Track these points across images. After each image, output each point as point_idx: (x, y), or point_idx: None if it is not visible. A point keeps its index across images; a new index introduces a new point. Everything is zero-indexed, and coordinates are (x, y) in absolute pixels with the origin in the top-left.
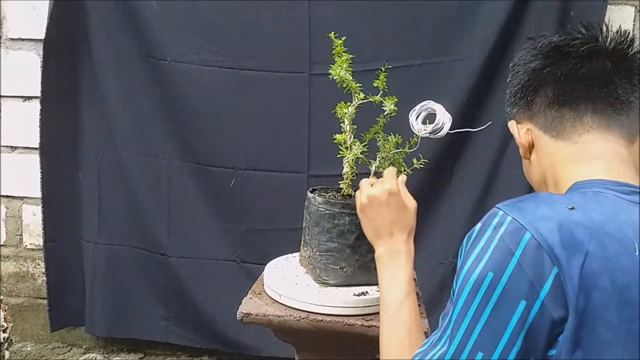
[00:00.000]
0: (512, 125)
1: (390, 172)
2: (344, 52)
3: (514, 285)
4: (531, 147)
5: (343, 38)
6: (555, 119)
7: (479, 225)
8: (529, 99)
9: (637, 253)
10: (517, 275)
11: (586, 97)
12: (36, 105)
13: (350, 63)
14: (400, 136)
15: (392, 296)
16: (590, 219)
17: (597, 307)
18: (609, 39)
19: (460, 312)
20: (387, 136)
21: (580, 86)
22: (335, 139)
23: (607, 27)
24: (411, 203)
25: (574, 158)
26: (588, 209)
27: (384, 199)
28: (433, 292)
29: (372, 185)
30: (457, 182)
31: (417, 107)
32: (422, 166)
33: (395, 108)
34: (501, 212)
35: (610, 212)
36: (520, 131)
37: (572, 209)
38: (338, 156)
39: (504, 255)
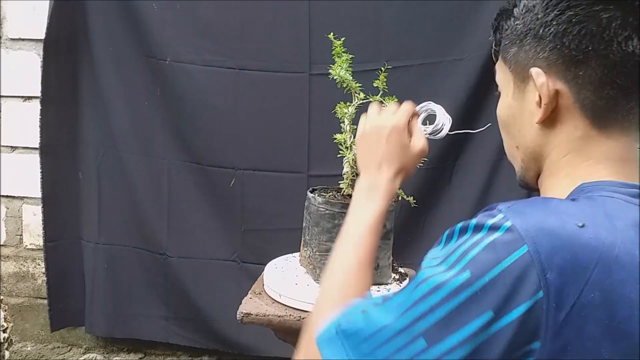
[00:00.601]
0: (538, 75)
1: (405, 106)
2: (343, 52)
3: (487, 293)
4: (549, 114)
5: (342, 39)
6: (608, 101)
7: (474, 220)
8: (583, 57)
9: None
10: (495, 285)
11: None
12: (36, 105)
13: (350, 63)
14: None
15: (355, 228)
16: (599, 239)
17: (588, 339)
18: None
19: (420, 295)
20: None
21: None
22: (336, 138)
23: None
24: (418, 144)
25: (599, 155)
26: (597, 226)
27: (385, 132)
28: None
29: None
30: (457, 182)
31: (417, 108)
32: (421, 165)
33: None
34: (501, 215)
35: (620, 228)
36: (544, 88)
37: (583, 226)
38: (338, 156)
39: (489, 260)
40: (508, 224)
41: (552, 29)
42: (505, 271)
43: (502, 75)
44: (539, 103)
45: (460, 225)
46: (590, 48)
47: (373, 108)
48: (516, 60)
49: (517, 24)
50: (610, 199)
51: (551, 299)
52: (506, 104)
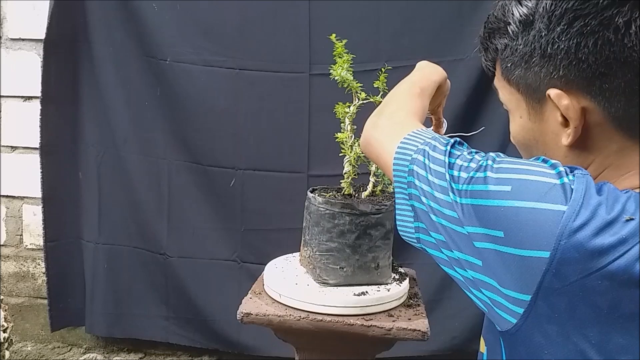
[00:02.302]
0: (559, 97)
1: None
2: (344, 52)
3: (508, 216)
4: (579, 132)
5: (344, 40)
6: (635, 107)
7: (554, 161)
8: (603, 70)
9: None
10: (518, 215)
11: None
12: (36, 105)
13: (351, 63)
14: None
15: (408, 81)
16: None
17: (577, 317)
18: None
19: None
20: None
21: None
22: (337, 137)
23: None
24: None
25: (637, 165)
26: None
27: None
28: (433, 292)
29: None
30: None
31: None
32: None
33: None
34: (580, 172)
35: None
36: (570, 109)
37: (629, 220)
38: (340, 155)
39: (530, 192)
40: (569, 183)
41: (562, 45)
42: (532, 211)
43: (509, 96)
44: (564, 123)
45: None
46: (612, 58)
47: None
48: (525, 83)
49: (516, 45)
50: None
51: (553, 264)
52: (522, 126)
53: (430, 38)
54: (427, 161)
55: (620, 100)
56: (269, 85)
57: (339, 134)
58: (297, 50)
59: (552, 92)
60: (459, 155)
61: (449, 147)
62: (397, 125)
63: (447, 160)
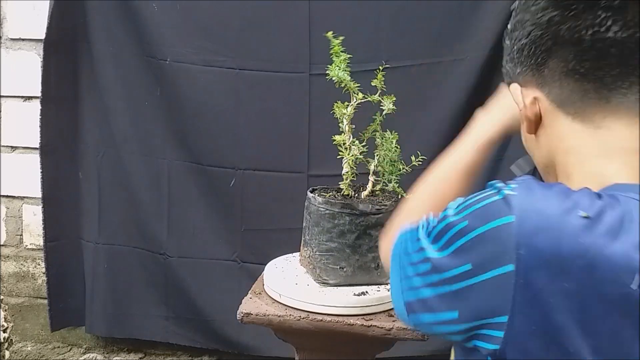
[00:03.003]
0: (515, 89)
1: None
2: (342, 51)
3: (472, 247)
4: (538, 121)
5: (341, 38)
6: (574, 92)
7: (495, 181)
8: (541, 60)
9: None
10: (478, 242)
11: (618, 69)
12: (36, 105)
13: (348, 63)
14: (396, 133)
15: (464, 144)
16: (595, 235)
17: (556, 326)
18: None
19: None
20: (385, 134)
21: (611, 53)
22: (334, 140)
23: None
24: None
25: (596, 148)
26: (602, 223)
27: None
28: None
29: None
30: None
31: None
32: (420, 163)
33: (394, 107)
34: (514, 185)
35: (628, 230)
36: (526, 99)
37: (586, 217)
38: (338, 157)
39: (479, 219)
40: (511, 193)
41: (516, 47)
42: (487, 234)
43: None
44: (525, 116)
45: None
46: (542, 48)
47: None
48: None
49: (505, 50)
50: (633, 201)
51: (520, 274)
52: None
53: (430, 38)
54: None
55: (555, 85)
56: (269, 85)
57: (336, 137)
58: (297, 50)
59: (511, 87)
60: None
61: (418, 245)
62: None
63: (421, 257)
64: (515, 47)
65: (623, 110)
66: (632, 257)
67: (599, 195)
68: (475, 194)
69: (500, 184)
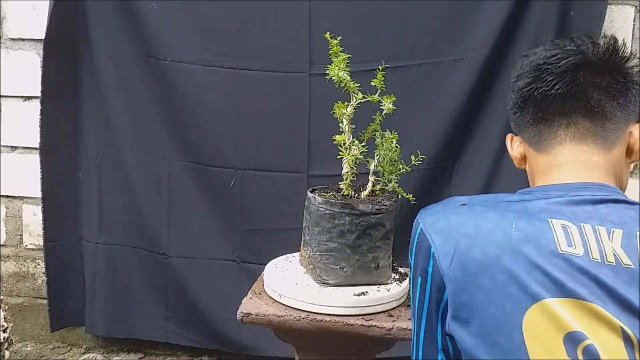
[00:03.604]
0: (507, 138)
1: None
2: (340, 52)
3: (415, 265)
4: (523, 158)
5: (339, 38)
6: (536, 134)
7: None
8: (519, 115)
9: (513, 230)
10: (415, 257)
11: (560, 112)
12: (36, 105)
13: (348, 63)
14: (396, 133)
15: None
16: (465, 216)
17: (471, 275)
18: (597, 49)
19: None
20: (384, 133)
21: (554, 102)
22: (335, 140)
23: (604, 36)
24: None
25: (544, 168)
26: (476, 203)
27: None
28: None
29: None
30: (457, 182)
31: None
32: (420, 162)
33: (393, 107)
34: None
35: (495, 219)
36: (514, 144)
37: (463, 205)
38: (338, 157)
39: (411, 244)
40: (420, 218)
41: (509, 105)
42: (415, 245)
43: None
44: (512, 155)
45: None
46: (518, 106)
47: None
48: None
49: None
50: (519, 203)
51: (438, 250)
52: None
53: (430, 38)
54: None
55: (529, 131)
56: (269, 85)
57: (336, 137)
58: (297, 50)
59: (508, 136)
60: None
61: None
62: None
63: None
64: (509, 107)
65: (569, 140)
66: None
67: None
68: None
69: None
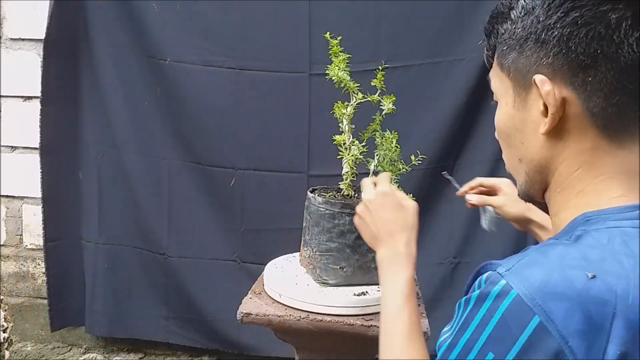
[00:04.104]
0: (543, 82)
1: (383, 176)
2: (340, 51)
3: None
4: (556, 123)
5: (339, 38)
6: (617, 107)
7: (476, 291)
8: (589, 62)
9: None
10: (521, 355)
11: None
12: (36, 105)
13: (348, 63)
14: (396, 133)
15: (392, 301)
16: (611, 290)
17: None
18: None
19: None
20: (384, 133)
21: None
22: (335, 140)
23: None
24: (409, 203)
25: (612, 169)
26: (606, 273)
27: (379, 200)
28: (433, 292)
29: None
30: (457, 182)
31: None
32: (420, 162)
33: (393, 107)
34: (503, 281)
35: (630, 267)
36: (549, 97)
37: (593, 277)
38: (338, 157)
39: (506, 337)
40: (513, 291)
41: (555, 32)
42: (526, 346)
43: (499, 83)
44: (545, 112)
45: (464, 297)
46: (599, 51)
47: (365, 184)
48: (516, 67)
49: (515, 28)
50: (617, 231)
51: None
52: (506, 114)
53: (430, 38)
54: None
55: (600, 96)
56: (269, 85)
57: (336, 137)
58: (297, 50)
59: (537, 77)
60: None
61: None
62: None
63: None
64: (551, 33)
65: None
66: None
67: (576, 239)
68: (468, 317)
69: (490, 290)
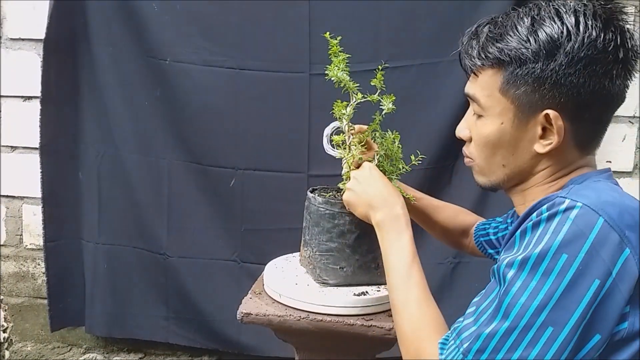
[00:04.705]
0: (557, 118)
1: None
2: (340, 51)
3: (588, 266)
4: (556, 145)
5: (339, 37)
6: (593, 134)
7: (545, 213)
8: (590, 102)
9: None
10: (591, 257)
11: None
12: (36, 105)
13: (348, 63)
14: (398, 133)
15: (400, 260)
16: (633, 201)
17: None
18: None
19: (524, 291)
20: (385, 133)
21: (617, 104)
22: (333, 140)
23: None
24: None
25: (581, 164)
26: (622, 195)
27: (367, 172)
28: (433, 292)
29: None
30: (457, 182)
31: (328, 129)
32: (419, 162)
33: (393, 107)
34: (568, 200)
35: (619, 194)
36: (561, 129)
37: (621, 195)
38: (337, 157)
39: (577, 238)
40: (579, 204)
41: (573, 80)
42: (595, 242)
43: (495, 103)
44: (542, 135)
45: (529, 223)
46: (599, 94)
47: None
48: (528, 99)
49: (534, 68)
50: (601, 182)
51: (635, 250)
52: (500, 131)
53: (430, 38)
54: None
55: (586, 127)
56: (269, 85)
57: (335, 137)
58: (297, 50)
59: (552, 113)
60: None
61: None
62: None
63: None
64: (569, 80)
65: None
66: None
67: (603, 184)
68: (535, 235)
69: (558, 208)
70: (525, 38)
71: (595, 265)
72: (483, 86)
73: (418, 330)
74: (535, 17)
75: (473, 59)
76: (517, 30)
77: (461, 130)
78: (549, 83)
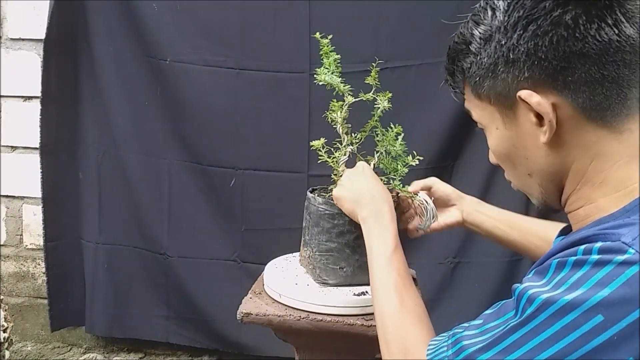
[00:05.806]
0: (530, 95)
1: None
2: (331, 51)
3: (626, 340)
4: (554, 129)
5: (330, 36)
6: (600, 96)
7: (595, 255)
8: (563, 64)
9: None
10: (633, 330)
11: (633, 69)
12: (36, 105)
13: (343, 63)
14: (400, 126)
15: (382, 251)
16: None
17: None
18: None
19: (534, 337)
20: (385, 130)
21: (627, 53)
22: (313, 145)
23: None
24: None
25: (623, 153)
26: None
27: (359, 170)
28: (433, 292)
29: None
30: (457, 182)
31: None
32: (417, 162)
33: (389, 104)
34: (632, 251)
35: None
36: (540, 106)
37: None
38: (334, 158)
39: (625, 303)
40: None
41: (522, 49)
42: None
43: (482, 112)
44: (539, 123)
45: (572, 258)
46: (568, 52)
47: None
48: (495, 92)
49: (480, 59)
50: None
51: None
52: (500, 137)
53: (430, 38)
54: None
55: (585, 91)
56: (269, 85)
57: (313, 142)
58: (297, 50)
59: (523, 93)
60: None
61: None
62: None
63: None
64: (518, 51)
65: (635, 110)
66: None
67: None
68: (574, 278)
69: (614, 257)
70: (466, 40)
71: (635, 342)
72: (469, 100)
73: (401, 325)
74: (472, 16)
75: (447, 80)
76: (462, 34)
77: (490, 157)
78: (501, 64)
